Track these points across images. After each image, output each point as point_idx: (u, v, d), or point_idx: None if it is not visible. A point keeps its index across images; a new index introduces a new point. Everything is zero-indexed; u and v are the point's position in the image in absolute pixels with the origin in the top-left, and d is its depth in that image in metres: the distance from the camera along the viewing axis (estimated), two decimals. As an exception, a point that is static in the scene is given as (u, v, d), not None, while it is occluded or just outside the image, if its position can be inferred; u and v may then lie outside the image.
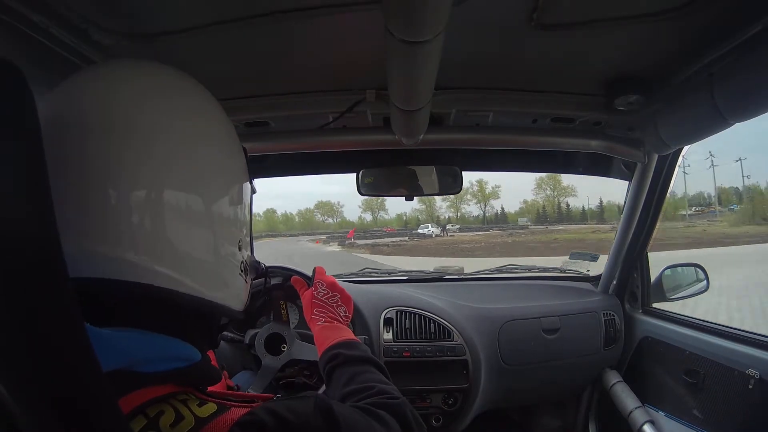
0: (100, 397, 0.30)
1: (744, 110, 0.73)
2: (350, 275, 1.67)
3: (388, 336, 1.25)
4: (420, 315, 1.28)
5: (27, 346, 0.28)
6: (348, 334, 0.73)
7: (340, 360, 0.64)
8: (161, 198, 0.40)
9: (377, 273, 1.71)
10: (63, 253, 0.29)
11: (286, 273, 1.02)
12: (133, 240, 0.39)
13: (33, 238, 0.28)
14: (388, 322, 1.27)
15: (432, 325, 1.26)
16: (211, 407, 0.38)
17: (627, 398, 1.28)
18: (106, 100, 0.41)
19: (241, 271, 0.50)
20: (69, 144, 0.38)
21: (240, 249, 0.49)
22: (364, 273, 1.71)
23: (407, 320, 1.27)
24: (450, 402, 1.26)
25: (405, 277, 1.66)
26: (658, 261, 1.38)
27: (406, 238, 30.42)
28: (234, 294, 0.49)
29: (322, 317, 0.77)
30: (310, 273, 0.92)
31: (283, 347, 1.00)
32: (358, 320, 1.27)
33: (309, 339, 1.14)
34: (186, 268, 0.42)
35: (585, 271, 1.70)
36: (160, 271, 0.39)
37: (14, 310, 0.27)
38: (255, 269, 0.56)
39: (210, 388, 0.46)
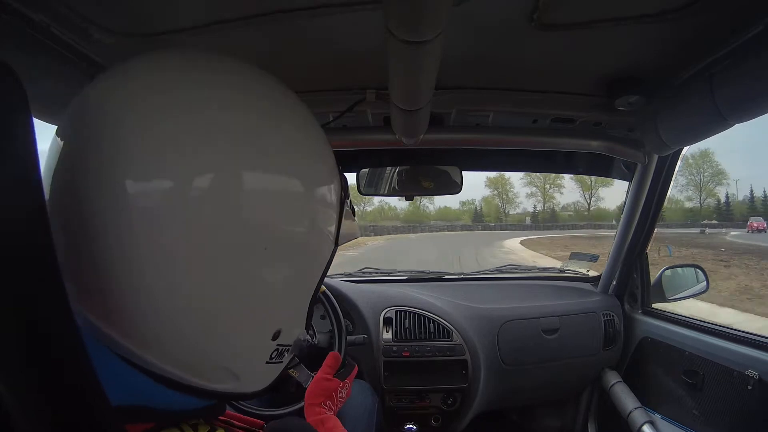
0: (104, 417, 0.29)
1: (744, 111, 0.72)
2: (350, 275, 1.67)
3: (387, 336, 1.25)
4: (419, 315, 1.28)
5: (27, 359, 0.27)
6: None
7: None
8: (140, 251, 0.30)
9: (377, 273, 1.71)
10: (57, 261, 0.28)
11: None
12: (99, 300, 0.32)
13: (27, 245, 0.27)
14: (387, 321, 1.27)
15: (431, 324, 1.26)
16: None
17: (626, 399, 1.28)
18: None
19: (271, 358, 0.40)
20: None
21: (276, 337, 0.39)
22: (363, 273, 1.71)
23: (407, 320, 1.27)
24: (449, 402, 1.26)
25: (405, 277, 1.66)
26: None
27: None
28: (249, 382, 0.40)
29: (330, 410, 0.80)
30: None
31: None
32: (357, 320, 1.27)
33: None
34: (171, 357, 0.34)
35: (585, 272, 1.70)
36: (132, 350, 0.33)
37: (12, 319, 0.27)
38: (299, 349, 0.45)
39: None
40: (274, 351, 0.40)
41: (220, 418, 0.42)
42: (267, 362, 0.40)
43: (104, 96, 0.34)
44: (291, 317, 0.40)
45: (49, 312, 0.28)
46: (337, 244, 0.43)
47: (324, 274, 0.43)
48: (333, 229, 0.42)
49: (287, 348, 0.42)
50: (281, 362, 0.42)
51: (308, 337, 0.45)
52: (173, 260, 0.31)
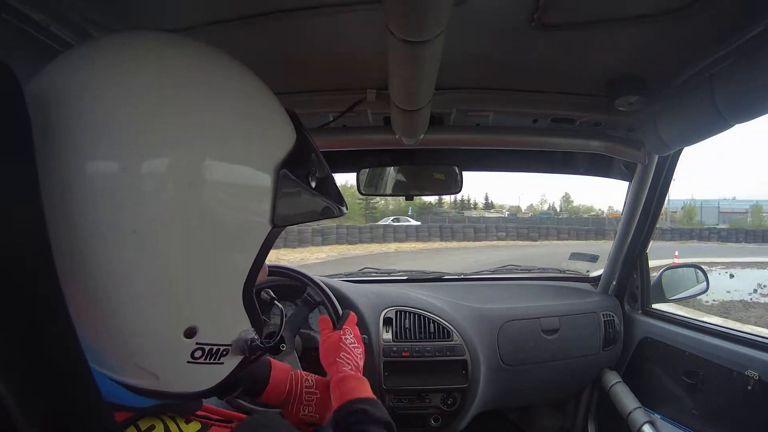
0: (94, 403, 0.30)
1: (745, 111, 0.72)
2: (350, 275, 1.67)
3: (387, 336, 1.25)
4: (419, 315, 1.28)
5: (25, 352, 0.28)
6: (370, 392, 0.69)
7: (364, 417, 0.62)
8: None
9: (377, 273, 1.71)
10: (55, 266, 0.28)
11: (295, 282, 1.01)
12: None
13: (27, 248, 0.28)
14: (387, 321, 1.27)
15: (431, 325, 1.26)
16: (195, 425, 0.39)
17: (626, 399, 1.28)
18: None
19: (195, 358, 0.37)
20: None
21: (191, 336, 0.35)
22: (363, 273, 1.71)
23: (407, 320, 1.27)
24: (449, 402, 1.26)
25: (405, 277, 1.66)
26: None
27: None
28: (172, 382, 0.37)
29: (349, 364, 0.75)
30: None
31: (282, 346, 0.99)
32: (358, 320, 1.27)
33: (308, 339, 1.15)
34: (87, 339, 0.32)
35: (585, 272, 1.71)
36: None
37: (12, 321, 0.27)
38: (241, 350, 0.40)
39: None
40: (197, 350, 0.36)
41: (198, 412, 0.44)
42: (189, 362, 0.36)
43: (56, 79, 0.35)
44: (209, 314, 0.36)
45: (48, 308, 0.28)
46: (277, 226, 0.37)
47: (257, 265, 0.38)
48: (264, 209, 0.37)
49: (223, 347, 0.38)
50: (220, 363, 0.39)
51: (255, 336, 0.41)
52: (70, 248, 0.31)
